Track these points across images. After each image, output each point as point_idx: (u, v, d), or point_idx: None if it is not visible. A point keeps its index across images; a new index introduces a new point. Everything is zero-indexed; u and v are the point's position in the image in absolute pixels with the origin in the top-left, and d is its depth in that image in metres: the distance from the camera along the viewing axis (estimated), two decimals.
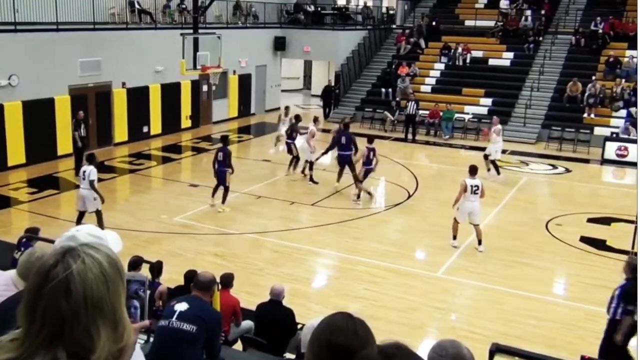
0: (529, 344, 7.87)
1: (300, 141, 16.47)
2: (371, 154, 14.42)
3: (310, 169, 16.09)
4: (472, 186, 11.45)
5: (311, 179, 15.96)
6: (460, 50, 25.23)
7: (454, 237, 11.88)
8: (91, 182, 11.43)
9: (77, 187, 12.50)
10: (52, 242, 7.45)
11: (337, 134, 15.72)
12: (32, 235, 8.41)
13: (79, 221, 11.36)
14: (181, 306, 5.08)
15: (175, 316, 5.01)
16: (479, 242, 11.71)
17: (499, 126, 17.16)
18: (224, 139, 14.06)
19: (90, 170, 11.52)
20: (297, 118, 16.91)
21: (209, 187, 15.26)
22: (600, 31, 24.31)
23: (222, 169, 13.43)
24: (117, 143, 19.60)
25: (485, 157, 16.80)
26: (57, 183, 15.89)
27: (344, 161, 15.16)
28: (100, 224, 11.19)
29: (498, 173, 16.75)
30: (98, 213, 11.62)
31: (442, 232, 12.79)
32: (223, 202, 13.62)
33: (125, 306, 1.41)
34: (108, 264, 1.37)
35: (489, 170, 16.75)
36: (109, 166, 17.50)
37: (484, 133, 16.67)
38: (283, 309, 7.21)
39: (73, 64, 17.70)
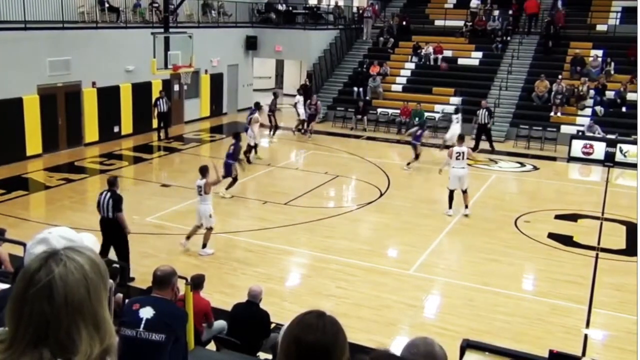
0: (498, 339, 8.05)
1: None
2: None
3: (255, 151, 17.98)
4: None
5: (248, 160, 17.43)
6: (431, 50, 25.49)
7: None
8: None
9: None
10: (19, 243, 7.42)
11: None
12: None
13: None
14: (146, 312, 4.73)
15: (142, 326, 4.67)
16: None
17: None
18: (236, 135, 15.27)
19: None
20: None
21: (181, 187, 15.20)
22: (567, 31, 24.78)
23: (228, 162, 14.66)
24: (88, 143, 19.38)
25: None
26: (26, 184, 15.66)
27: None
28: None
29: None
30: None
31: (414, 230, 12.96)
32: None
33: (108, 308, 1.44)
34: (90, 267, 1.39)
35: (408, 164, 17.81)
36: (80, 167, 17.31)
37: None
38: (259, 310, 7.25)
39: (42, 63, 17.45)
